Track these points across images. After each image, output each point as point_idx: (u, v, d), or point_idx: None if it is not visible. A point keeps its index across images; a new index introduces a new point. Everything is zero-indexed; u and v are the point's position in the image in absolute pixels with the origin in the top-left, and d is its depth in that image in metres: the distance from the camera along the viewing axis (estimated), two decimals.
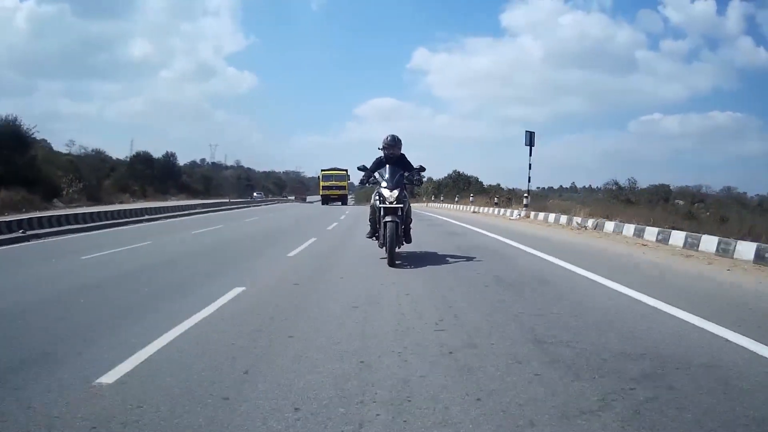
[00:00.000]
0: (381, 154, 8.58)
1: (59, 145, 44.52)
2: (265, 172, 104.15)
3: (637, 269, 7.83)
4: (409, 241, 8.65)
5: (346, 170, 48.12)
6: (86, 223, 16.15)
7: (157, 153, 53.84)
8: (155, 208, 23.75)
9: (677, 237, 10.30)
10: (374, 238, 8.50)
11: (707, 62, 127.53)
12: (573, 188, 70.44)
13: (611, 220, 14.11)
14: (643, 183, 28.97)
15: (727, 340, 4.03)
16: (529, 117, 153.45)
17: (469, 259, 8.62)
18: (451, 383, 3.13)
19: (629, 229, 12.60)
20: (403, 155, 8.63)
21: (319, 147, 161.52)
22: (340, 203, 47.69)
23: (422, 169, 8.73)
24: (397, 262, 7.79)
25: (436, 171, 62.42)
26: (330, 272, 7.45)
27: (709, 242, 9.06)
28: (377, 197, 8.21)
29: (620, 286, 6.11)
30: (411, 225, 8.78)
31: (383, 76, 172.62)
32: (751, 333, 4.15)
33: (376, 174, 8.41)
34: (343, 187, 49.76)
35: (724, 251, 8.53)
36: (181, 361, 3.57)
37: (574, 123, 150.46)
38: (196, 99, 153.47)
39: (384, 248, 7.92)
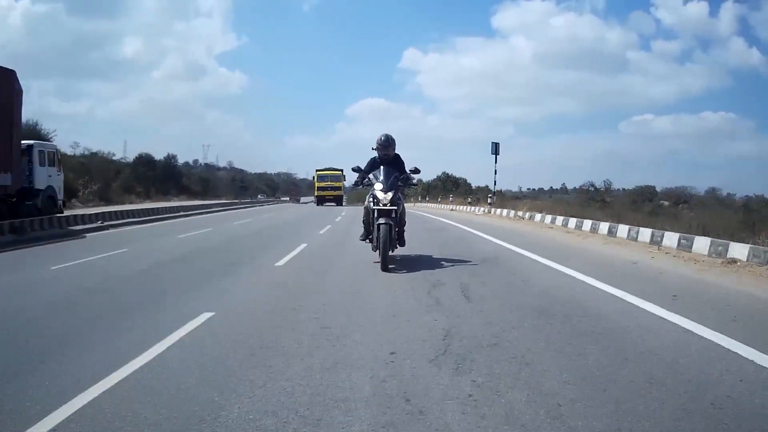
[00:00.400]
0: (375, 154, 8.55)
1: (64, 147, 46.48)
2: (258, 174, 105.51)
3: (534, 240, 12.27)
4: (402, 244, 8.57)
5: (342, 170, 45.89)
6: (140, 217, 20.96)
7: (149, 153, 55.73)
8: (184, 206, 28.80)
9: (604, 227, 12.66)
10: (368, 240, 8.51)
11: (699, 63, 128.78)
12: (563, 189, 72.42)
13: (549, 214, 17.75)
14: (633, 184, 30.76)
15: (613, 296, 5.84)
16: (520, 117, 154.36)
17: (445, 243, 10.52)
18: None
19: (558, 219, 16.36)
20: (397, 156, 8.58)
21: (310, 148, 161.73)
22: (335, 204, 45.39)
23: (417, 170, 8.60)
24: (390, 266, 7.69)
25: (426, 173, 63.55)
26: (321, 285, 6.62)
27: (645, 233, 10.85)
28: (371, 199, 8.15)
29: (507, 244, 11.15)
30: (405, 228, 8.74)
31: (374, 76, 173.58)
32: (636, 292, 5.89)
33: (371, 175, 8.35)
34: (338, 188, 47.93)
35: (655, 242, 10.33)
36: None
37: (567, 124, 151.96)
38: (187, 99, 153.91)
39: (378, 252, 7.85)
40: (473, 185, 52.10)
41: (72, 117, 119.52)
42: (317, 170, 49.04)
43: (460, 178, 55.79)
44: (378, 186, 8.07)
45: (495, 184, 29.39)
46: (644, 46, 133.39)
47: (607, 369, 3.43)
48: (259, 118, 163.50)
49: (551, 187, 75.23)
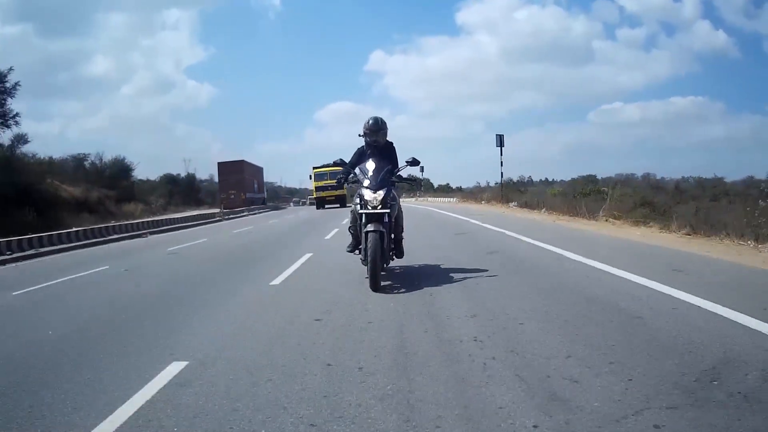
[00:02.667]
0: (363, 142, 6.98)
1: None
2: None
3: (486, 213, 21.53)
4: (400, 255, 7.02)
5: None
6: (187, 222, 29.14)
7: (170, 172, 65.82)
8: (240, 210, 40.46)
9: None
10: (357, 252, 6.84)
11: (665, 49, 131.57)
12: (529, 182, 78.51)
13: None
14: (607, 173, 36.46)
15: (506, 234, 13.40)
16: (488, 113, 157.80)
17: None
18: None
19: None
20: (389, 144, 6.99)
21: (280, 155, 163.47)
22: (338, 206, 38.37)
23: (415, 162, 6.81)
24: (384, 283, 6.36)
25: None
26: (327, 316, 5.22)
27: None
28: (358, 200, 6.51)
29: (467, 218, 18.52)
30: (403, 234, 7.12)
31: (341, 80, 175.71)
32: (542, 240, 13.41)
33: (357, 170, 6.74)
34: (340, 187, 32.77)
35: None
36: None
37: (534, 117, 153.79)
38: (157, 113, 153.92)
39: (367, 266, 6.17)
40: (435, 184, 67.41)
41: (44, 136, 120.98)
42: (314, 168, 41.74)
43: (425, 179, 66.78)
44: (366, 183, 6.45)
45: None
46: (609, 35, 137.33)
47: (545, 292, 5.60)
48: (228, 128, 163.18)
49: (519, 179, 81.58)
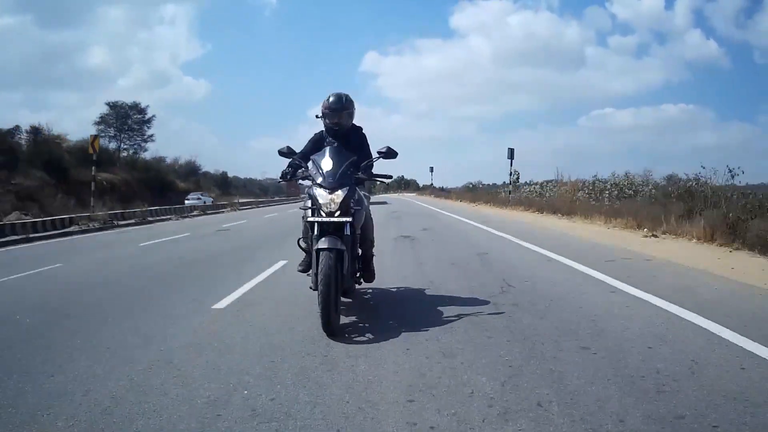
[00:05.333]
0: (324, 127, 5.12)
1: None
2: (248, 179, 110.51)
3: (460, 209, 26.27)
4: (370, 278, 5.27)
5: None
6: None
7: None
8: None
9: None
10: (309, 273, 4.70)
11: (657, 57, 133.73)
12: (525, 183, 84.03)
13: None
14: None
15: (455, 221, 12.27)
16: (480, 115, 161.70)
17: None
18: None
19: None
20: (357, 130, 5.17)
21: (274, 151, 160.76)
22: None
23: (390, 153, 4.91)
24: (347, 320, 4.61)
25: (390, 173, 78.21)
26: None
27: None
28: (309, 204, 4.58)
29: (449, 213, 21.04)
30: (374, 251, 5.33)
31: (335, 79, 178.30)
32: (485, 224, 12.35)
33: (310, 162, 4.84)
34: None
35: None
36: None
37: (526, 120, 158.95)
38: (153, 107, 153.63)
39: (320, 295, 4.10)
40: (420, 184, 77.84)
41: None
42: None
43: (411, 180, 73.24)
44: (319, 180, 4.54)
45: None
46: (601, 42, 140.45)
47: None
48: (224, 123, 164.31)
49: (503, 182, 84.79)
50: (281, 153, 4.94)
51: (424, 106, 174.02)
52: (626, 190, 19.07)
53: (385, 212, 23.24)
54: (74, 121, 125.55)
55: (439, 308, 5.16)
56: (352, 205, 4.49)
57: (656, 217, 11.96)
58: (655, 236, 11.26)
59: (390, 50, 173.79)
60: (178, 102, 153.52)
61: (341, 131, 5.01)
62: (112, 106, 48.22)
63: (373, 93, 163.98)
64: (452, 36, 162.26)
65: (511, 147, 30.62)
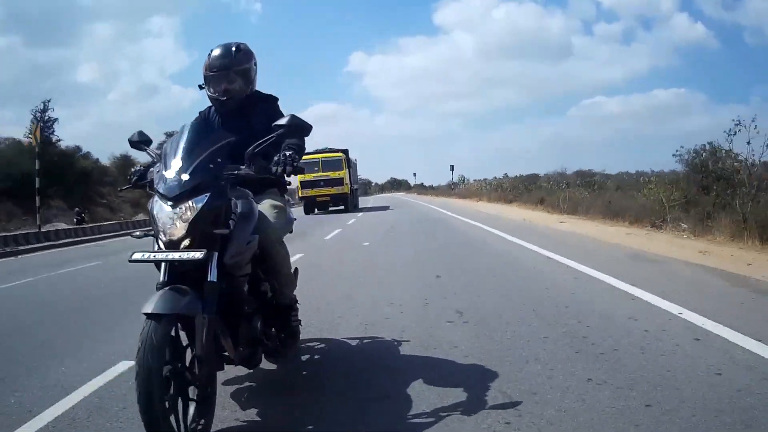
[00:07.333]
0: (210, 100, 2.90)
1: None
2: None
3: (428, 200, 35.69)
4: (291, 349, 3.01)
5: (345, 152, 26.87)
6: None
7: None
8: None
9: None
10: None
11: (644, 43, 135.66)
12: (506, 177, 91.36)
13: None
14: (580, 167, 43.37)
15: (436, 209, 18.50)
16: (466, 110, 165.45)
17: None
18: None
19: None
20: (266, 100, 2.97)
21: None
22: (342, 207, 25.97)
23: (297, 127, 2.43)
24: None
25: (377, 175, 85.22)
26: None
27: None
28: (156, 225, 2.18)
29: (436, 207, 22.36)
30: (296, 295, 2.97)
31: (323, 82, 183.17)
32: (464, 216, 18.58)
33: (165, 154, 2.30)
34: (339, 181, 25.34)
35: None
36: None
37: (513, 113, 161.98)
38: (142, 119, 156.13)
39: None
40: (412, 183, 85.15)
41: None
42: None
43: (403, 180, 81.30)
44: (160, 187, 2.19)
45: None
46: (587, 31, 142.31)
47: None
48: None
49: (495, 177, 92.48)
50: (131, 143, 2.69)
51: (409, 104, 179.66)
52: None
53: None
54: (64, 135, 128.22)
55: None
56: (214, 226, 2.18)
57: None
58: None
59: (375, 50, 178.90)
60: (167, 111, 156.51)
61: (233, 104, 2.83)
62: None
63: (361, 92, 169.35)
64: (437, 33, 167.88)
65: (452, 164, 45.46)
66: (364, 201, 39.58)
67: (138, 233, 2.55)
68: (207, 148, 2.25)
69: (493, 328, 3.63)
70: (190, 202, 2.13)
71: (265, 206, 2.67)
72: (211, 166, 2.21)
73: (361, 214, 22.52)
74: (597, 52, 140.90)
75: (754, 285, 4.74)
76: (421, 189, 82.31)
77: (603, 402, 2.33)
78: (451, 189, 51.20)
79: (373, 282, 5.76)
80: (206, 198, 2.14)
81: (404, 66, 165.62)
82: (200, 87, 2.88)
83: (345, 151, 26.72)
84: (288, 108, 2.92)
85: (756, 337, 3.06)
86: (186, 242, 2.13)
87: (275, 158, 2.38)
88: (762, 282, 4.82)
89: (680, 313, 3.71)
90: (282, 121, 2.43)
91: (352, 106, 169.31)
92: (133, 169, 2.71)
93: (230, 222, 2.28)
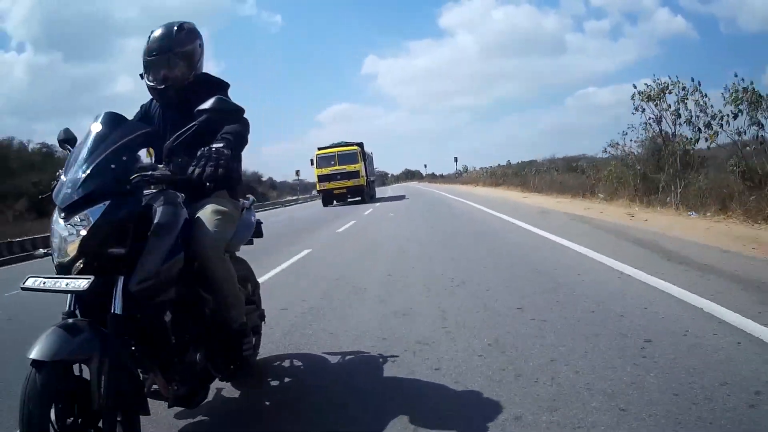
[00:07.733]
0: (149, 90, 2.49)
1: None
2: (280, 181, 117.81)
3: (438, 187, 39.68)
4: (245, 375, 2.71)
5: (360, 145, 27.19)
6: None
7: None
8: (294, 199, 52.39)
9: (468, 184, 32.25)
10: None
11: (630, 37, 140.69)
12: (508, 165, 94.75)
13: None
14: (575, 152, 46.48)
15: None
16: (472, 104, 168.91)
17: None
18: None
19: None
20: (214, 86, 2.50)
21: (288, 153, 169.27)
22: (359, 199, 26.26)
23: (222, 107, 2.03)
24: None
25: (393, 166, 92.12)
26: None
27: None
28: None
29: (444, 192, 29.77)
30: (263, 312, 2.97)
31: (340, 84, 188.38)
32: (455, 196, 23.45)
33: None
34: (355, 173, 25.89)
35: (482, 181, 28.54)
36: None
37: (515, 105, 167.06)
38: None
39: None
40: (423, 174, 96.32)
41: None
42: (318, 149, 26.93)
43: (416, 170, 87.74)
44: (59, 200, 1.83)
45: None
46: (578, 28, 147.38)
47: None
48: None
49: (498, 164, 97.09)
50: (59, 142, 2.34)
51: (420, 101, 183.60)
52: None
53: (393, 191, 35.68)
54: None
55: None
56: (118, 243, 1.84)
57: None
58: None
59: (387, 53, 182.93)
60: None
61: (173, 92, 2.42)
62: None
63: (375, 93, 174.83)
64: (442, 35, 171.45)
65: (456, 156, 49.86)
66: (382, 191, 44.28)
67: (42, 251, 2.07)
68: (113, 144, 1.86)
69: (459, 244, 8.61)
70: (84, 213, 1.73)
71: (206, 212, 2.21)
72: (113, 166, 1.82)
73: (378, 204, 23.28)
74: (588, 46, 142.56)
75: (596, 222, 9.52)
76: (432, 178, 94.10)
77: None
78: (456, 177, 63.32)
79: (381, 275, 5.55)
80: (104, 207, 1.74)
81: (414, 67, 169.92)
82: (141, 76, 2.42)
83: (360, 145, 27.04)
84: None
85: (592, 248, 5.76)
86: (79, 264, 1.72)
87: (198, 153, 1.89)
88: (596, 220, 9.59)
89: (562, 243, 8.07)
90: (205, 105, 2.00)
91: (367, 105, 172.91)
92: (58, 172, 2.01)
93: (150, 236, 1.84)
